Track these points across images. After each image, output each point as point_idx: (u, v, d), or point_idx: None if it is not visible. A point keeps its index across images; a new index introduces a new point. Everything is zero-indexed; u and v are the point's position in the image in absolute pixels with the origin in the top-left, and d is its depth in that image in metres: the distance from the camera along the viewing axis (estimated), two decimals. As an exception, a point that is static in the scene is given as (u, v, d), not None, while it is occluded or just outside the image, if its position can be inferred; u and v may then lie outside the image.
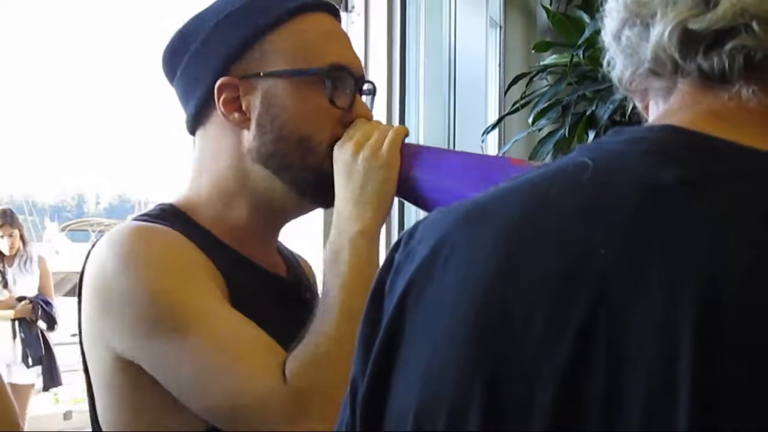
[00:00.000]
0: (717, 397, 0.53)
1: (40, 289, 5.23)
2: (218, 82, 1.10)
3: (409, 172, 1.10)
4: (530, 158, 2.47)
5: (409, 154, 1.11)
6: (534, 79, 2.56)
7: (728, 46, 0.63)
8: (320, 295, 1.07)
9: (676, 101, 0.68)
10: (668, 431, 0.53)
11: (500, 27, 2.82)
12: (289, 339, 1.04)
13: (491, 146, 2.69)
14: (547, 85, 2.58)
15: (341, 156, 1.10)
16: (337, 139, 1.11)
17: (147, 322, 1.02)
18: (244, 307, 1.05)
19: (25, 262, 5.16)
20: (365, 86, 1.18)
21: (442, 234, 0.68)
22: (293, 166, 1.11)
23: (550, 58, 2.62)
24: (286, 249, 1.28)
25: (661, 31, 0.65)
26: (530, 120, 2.49)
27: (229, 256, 1.11)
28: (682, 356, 0.53)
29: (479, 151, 2.60)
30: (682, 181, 0.59)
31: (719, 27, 0.63)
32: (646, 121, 0.72)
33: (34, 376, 5.16)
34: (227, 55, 1.11)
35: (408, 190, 1.12)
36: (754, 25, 0.62)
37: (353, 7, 2.45)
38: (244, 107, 1.11)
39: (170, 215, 1.12)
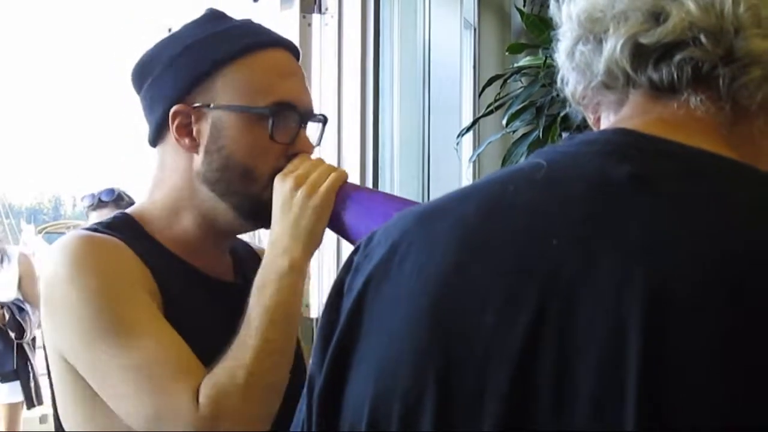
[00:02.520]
0: (663, 386, 0.54)
1: (21, 290, 4.72)
2: (173, 109, 1.19)
3: (339, 213, 1.19)
4: (504, 159, 2.47)
5: (343, 196, 1.20)
6: (508, 80, 2.55)
7: (677, 58, 0.66)
8: (243, 321, 1.13)
9: (628, 111, 0.70)
10: (616, 418, 0.54)
11: (474, 29, 2.82)
12: (221, 342, 1.11)
13: (466, 148, 2.70)
14: (521, 87, 2.58)
15: (281, 189, 1.19)
16: (278, 170, 1.20)
17: (83, 330, 1.08)
18: (179, 314, 1.12)
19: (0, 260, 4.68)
20: (313, 119, 1.26)
21: (399, 233, 0.70)
22: (236, 193, 1.20)
23: (524, 60, 2.62)
24: (245, 248, 1.37)
25: (613, 45, 0.68)
26: (504, 122, 2.49)
27: (173, 265, 1.19)
28: (630, 346, 0.55)
29: (453, 154, 2.60)
30: (631, 178, 0.62)
31: (669, 40, 0.66)
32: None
33: (19, 392, 4.66)
34: (182, 86, 1.19)
35: (338, 228, 1.21)
36: (702, 38, 0.65)
37: (326, 9, 2.44)
38: (194, 133, 1.20)
39: (122, 224, 1.20)
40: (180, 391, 1.05)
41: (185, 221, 1.23)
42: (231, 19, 1.26)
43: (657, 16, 0.66)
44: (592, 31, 0.70)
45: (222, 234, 1.26)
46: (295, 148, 1.21)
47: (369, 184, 2.30)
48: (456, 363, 0.62)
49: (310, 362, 0.74)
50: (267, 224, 1.21)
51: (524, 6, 2.75)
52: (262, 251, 1.34)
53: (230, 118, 1.18)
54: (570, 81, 0.74)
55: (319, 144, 1.30)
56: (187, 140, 1.20)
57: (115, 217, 1.23)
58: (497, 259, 0.63)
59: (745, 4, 0.65)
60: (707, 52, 0.65)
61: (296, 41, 2.42)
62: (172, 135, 1.21)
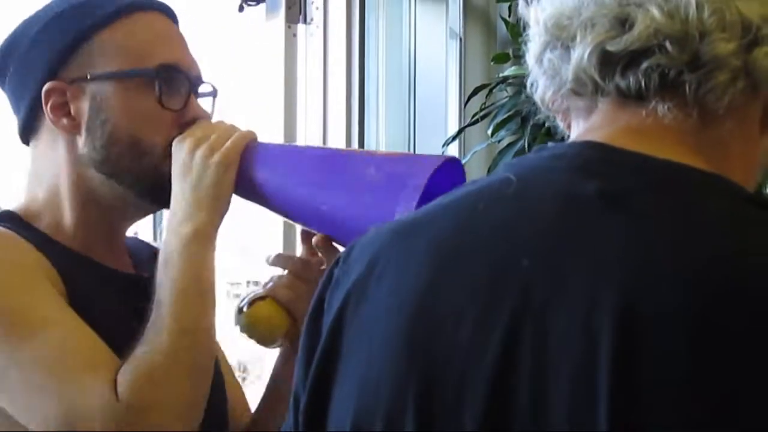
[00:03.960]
0: (635, 405, 0.54)
1: None
2: (45, 87, 1.07)
3: (248, 173, 1.07)
4: (490, 169, 2.47)
5: (249, 155, 1.08)
6: (494, 90, 2.56)
7: (644, 66, 0.66)
8: (152, 302, 1.03)
9: (597, 119, 0.70)
10: None
11: (460, 38, 2.83)
12: (133, 336, 1.01)
13: (451, 157, 2.69)
14: (506, 97, 2.58)
15: (178, 153, 1.07)
16: (172, 140, 1.08)
17: None
18: (85, 306, 1.02)
19: None
20: (203, 88, 1.15)
21: (376, 250, 0.70)
22: (127, 170, 1.08)
23: (509, 70, 2.62)
24: (138, 243, 1.25)
25: (581, 53, 0.68)
26: (490, 131, 2.49)
27: (69, 257, 1.07)
28: (601, 362, 0.55)
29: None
30: (600, 193, 0.62)
31: (635, 48, 0.66)
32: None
33: None
34: (53, 59, 1.08)
35: (248, 191, 1.09)
36: (668, 45, 0.65)
37: (312, 19, 2.45)
38: (72, 112, 1.08)
39: (9, 219, 1.09)
40: (95, 383, 0.95)
41: (75, 212, 1.09)
42: None
43: (623, 23, 0.66)
44: (560, 38, 0.70)
45: (118, 220, 1.14)
46: (187, 116, 1.09)
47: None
48: (434, 383, 0.62)
49: (294, 376, 0.74)
50: (168, 202, 1.08)
51: (510, 16, 2.76)
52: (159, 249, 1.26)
53: (111, 87, 1.07)
54: (539, 86, 0.74)
55: (211, 116, 1.16)
56: (65, 120, 1.08)
57: None
58: (469, 278, 0.63)
59: (709, 9, 0.65)
60: (673, 59, 0.65)
61: (281, 51, 2.43)
62: (45, 121, 1.09)
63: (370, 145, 2.43)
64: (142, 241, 1.26)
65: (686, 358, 0.54)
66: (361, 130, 2.35)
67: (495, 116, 2.51)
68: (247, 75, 2.63)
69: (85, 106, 1.08)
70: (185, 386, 0.99)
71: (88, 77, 1.07)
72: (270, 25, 2.40)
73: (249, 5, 2.49)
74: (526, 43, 0.74)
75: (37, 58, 1.09)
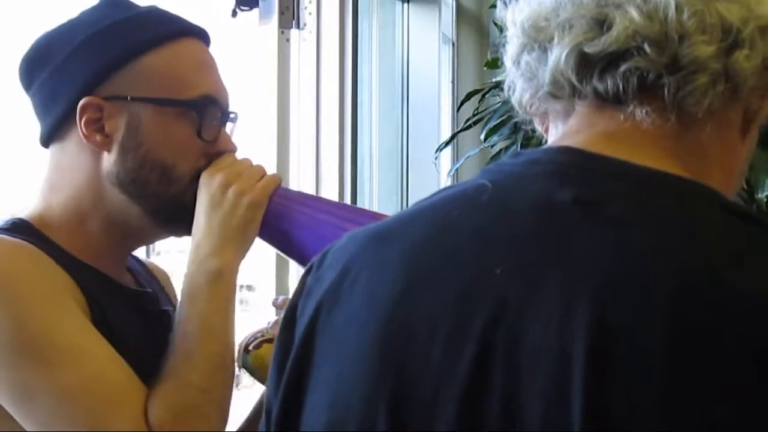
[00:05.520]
0: (608, 409, 0.54)
1: None
2: (82, 102, 1.06)
3: (274, 218, 1.08)
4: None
5: (277, 201, 1.09)
6: (486, 95, 2.56)
7: (622, 68, 0.65)
8: (177, 332, 1.04)
9: (574, 123, 0.69)
10: None
11: (453, 43, 2.83)
12: (152, 355, 1.02)
13: (444, 162, 2.70)
14: (499, 102, 2.58)
15: (208, 185, 1.07)
16: (199, 171, 1.09)
17: (9, 347, 0.95)
18: (108, 326, 1.01)
19: None
20: (233, 115, 1.15)
21: (349, 257, 0.69)
22: (153, 195, 1.08)
23: (502, 75, 2.61)
24: (136, 261, 1.23)
25: (558, 55, 0.67)
26: (482, 136, 2.49)
27: (88, 274, 1.06)
28: (575, 370, 0.54)
29: (432, 168, 2.60)
30: (576, 201, 0.61)
31: (613, 50, 0.65)
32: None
33: None
34: (94, 74, 1.08)
35: (269, 236, 1.09)
36: (646, 47, 0.64)
37: (305, 24, 2.44)
38: (107, 129, 1.07)
39: (25, 230, 1.06)
40: (124, 415, 0.96)
41: (92, 227, 1.09)
42: (136, 5, 1.14)
43: (601, 24, 0.65)
44: (537, 40, 0.69)
45: (133, 240, 1.14)
46: (216, 147, 1.10)
47: (347, 198, 2.29)
48: (406, 394, 0.61)
49: (266, 384, 0.74)
50: (185, 231, 1.10)
51: (503, 21, 2.76)
52: (151, 264, 1.26)
53: (150, 111, 1.07)
54: (516, 88, 0.73)
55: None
56: (98, 136, 1.07)
57: (12, 223, 1.08)
58: (443, 287, 0.62)
59: (689, 11, 0.64)
60: (652, 61, 0.64)
61: (275, 56, 2.43)
62: (75, 132, 1.07)
63: (363, 149, 2.43)
64: (133, 255, 1.23)
65: (660, 367, 0.53)
66: (354, 134, 2.35)
67: (488, 121, 2.51)
68: (240, 80, 2.63)
69: (121, 125, 1.07)
70: (215, 421, 1.02)
71: (128, 98, 1.07)
72: (263, 30, 2.40)
73: (242, 10, 2.49)
74: (504, 46, 0.73)
75: (77, 71, 1.08)
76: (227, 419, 1.04)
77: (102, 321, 1.02)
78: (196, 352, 1.01)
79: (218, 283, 1.04)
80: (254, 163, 1.13)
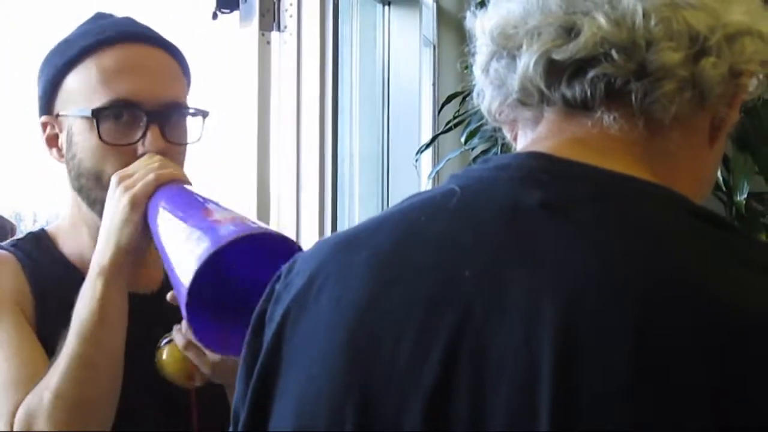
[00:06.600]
0: (576, 415, 0.54)
1: None
2: (40, 120, 1.18)
3: (150, 221, 1.05)
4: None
5: (159, 202, 1.05)
6: (467, 98, 2.56)
7: (590, 75, 0.65)
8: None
9: (543, 130, 0.69)
10: None
11: (434, 46, 2.83)
12: (145, 356, 1.08)
13: (425, 165, 2.70)
14: (479, 105, 2.59)
15: (111, 186, 1.09)
16: None
17: None
18: (55, 329, 1.07)
19: None
20: (191, 110, 1.17)
21: (317, 264, 0.69)
22: (97, 201, 1.13)
23: (482, 78, 2.63)
24: None
25: (527, 62, 0.67)
26: (463, 139, 2.50)
27: (75, 280, 1.10)
28: (542, 373, 0.55)
29: (412, 171, 2.60)
30: (542, 205, 0.61)
31: (581, 56, 0.65)
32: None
33: None
34: (43, 94, 1.18)
35: (154, 237, 1.05)
36: (614, 54, 0.64)
37: (286, 27, 2.44)
38: (59, 144, 1.18)
39: (31, 240, 1.20)
40: (3, 409, 1.04)
41: (83, 234, 1.19)
42: (111, 17, 1.20)
43: (569, 31, 0.66)
44: (506, 47, 0.69)
45: None
46: (144, 149, 1.12)
47: (328, 201, 2.29)
48: (373, 399, 0.61)
49: (234, 392, 0.73)
50: None
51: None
52: None
53: (76, 123, 1.14)
54: (486, 96, 0.73)
55: (199, 139, 1.20)
56: (55, 151, 1.18)
57: (28, 233, 1.22)
58: (410, 292, 0.62)
59: (656, 18, 0.64)
60: (619, 68, 0.64)
61: (255, 59, 2.43)
62: None
63: (343, 151, 2.43)
64: None
65: (626, 372, 0.54)
66: (335, 137, 2.34)
67: (468, 124, 2.52)
68: (220, 82, 2.62)
69: (63, 140, 1.16)
70: (68, 423, 1.03)
71: (56, 116, 1.17)
72: (243, 32, 2.39)
73: (222, 13, 2.48)
74: (473, 54, 0.73)
75: (38, 91, 1.19)
76: (105, 416, 1.05)
77: (44, 323, 1.10)
78: (63, 355, 1.04)
79: (95, 282, 1.05)
80: (167, 160, 1.12)
